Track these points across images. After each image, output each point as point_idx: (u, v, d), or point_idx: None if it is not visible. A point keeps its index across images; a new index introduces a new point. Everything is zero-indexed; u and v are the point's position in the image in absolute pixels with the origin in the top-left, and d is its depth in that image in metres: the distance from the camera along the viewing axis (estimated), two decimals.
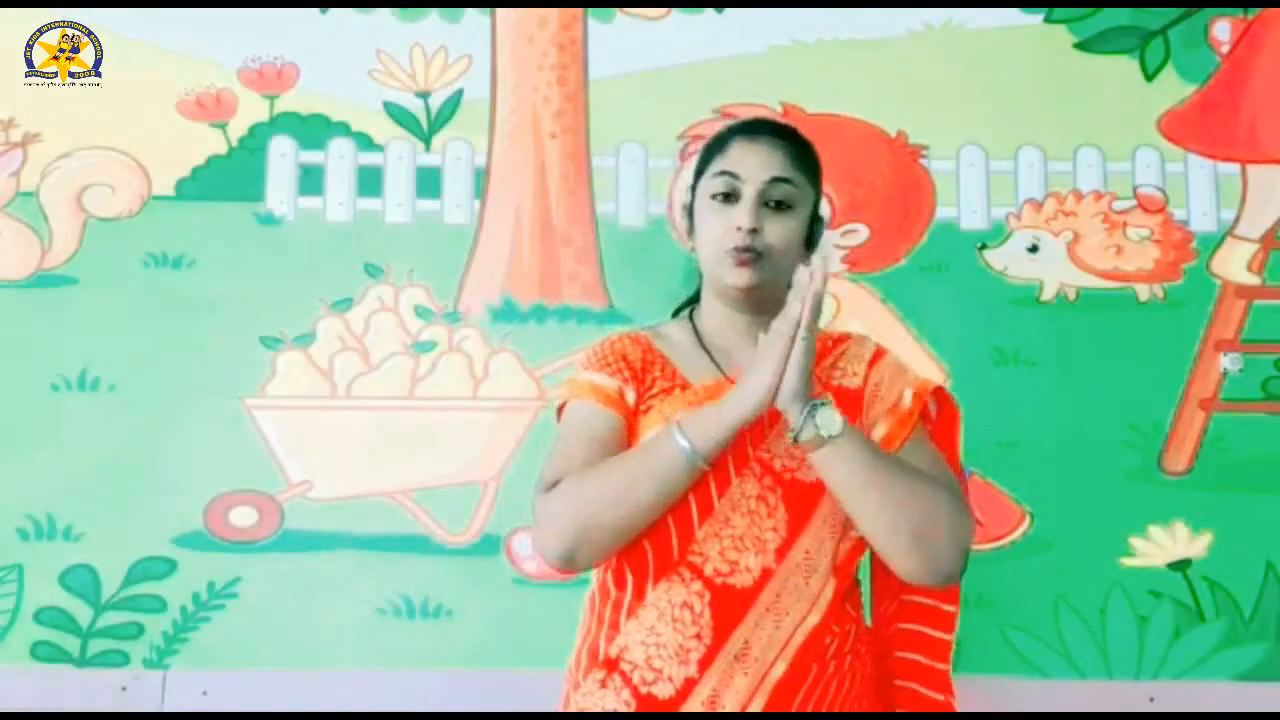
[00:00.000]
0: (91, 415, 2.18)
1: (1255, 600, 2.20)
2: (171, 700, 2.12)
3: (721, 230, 1.46)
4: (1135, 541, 2.21)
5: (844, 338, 1.56)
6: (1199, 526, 2.21)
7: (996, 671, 2.17)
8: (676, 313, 1.65)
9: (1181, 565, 2.20)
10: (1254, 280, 2.29)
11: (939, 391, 1.51)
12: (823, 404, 1.35)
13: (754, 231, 1.44)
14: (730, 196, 1.47)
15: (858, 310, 2.25)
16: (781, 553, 1.40)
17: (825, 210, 1.52)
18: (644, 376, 1.48)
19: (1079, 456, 2.22)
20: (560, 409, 1.53)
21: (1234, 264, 2.29)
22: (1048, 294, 2.27)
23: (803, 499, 1.41)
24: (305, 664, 2.14)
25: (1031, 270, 2.28)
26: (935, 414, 1.51)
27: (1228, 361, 2.25)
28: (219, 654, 2.14)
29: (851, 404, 1.47)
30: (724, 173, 1.48)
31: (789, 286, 1.36)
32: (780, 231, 1.46)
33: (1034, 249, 2.29)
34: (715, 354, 1.51)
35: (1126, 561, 2.20)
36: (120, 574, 2.15)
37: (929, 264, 2.27)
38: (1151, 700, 2.15)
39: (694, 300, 1.61)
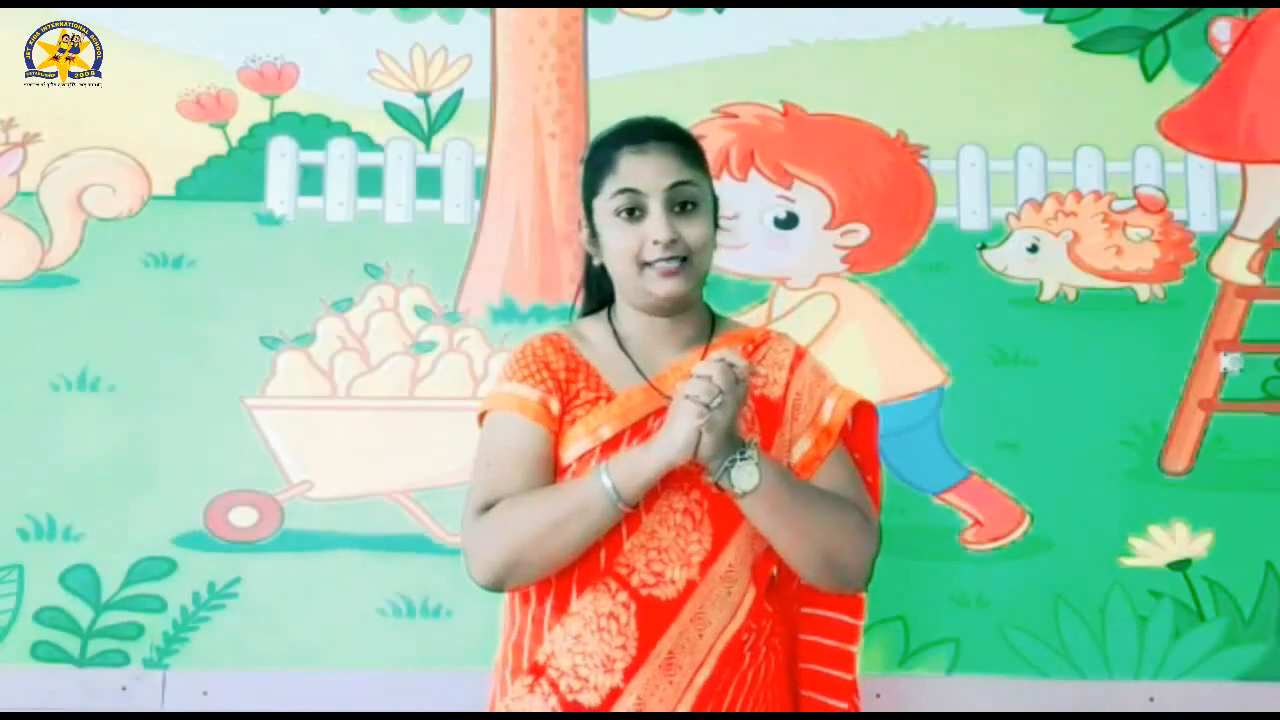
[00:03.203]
0: (91, 415, 2.18)
1: (1255, 600, 2.20)
2: (171, 700, 2.12)
3: (636, 245, 1.45)
4: (1135, 541, 2.20)
5: (764, 338, 1.56)
6: (1199, 526, 2.21)
7: (996, 671, 2.17)
8: (585, 312, 1.61)
9: (1181, 565, 2.20)
10: (1254, 280, 2.28)
11: (859, 403, 1.52)
12: (743, 458, 1.36)
13: (673, 242, 1.44)
14: (635, 212, 1.45)
15: (858, 310, 2.25)
16: (705, 565, 1.42)
17: (718, 189, 1.55)
18: (568, 387, 1.47)
19: (1079, 456, 2.22)
20: (482, 416, 1.51)
21: (1234, 264, 2.29)
22: (1048, 294, 2.27)
23: (728, 513, 1.42)
24: (305, 664, 2.14)
25: (1031, 270, 2.28)
26: (853, 424, 1.51)
27: (1228, 361, 2.25)
28: (219, 654, 2.14)
29: (772, 415, 1.48)
30: (622, 190, 1.46)
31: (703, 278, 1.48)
32: (696, 232, 1.46)
33: (1034, 249, 2.28)
34: (636, 358, 1.50)
35: (1126, 561, 2.20)
36: (120, 574, 2.15)
37: (929, 264, 2.27)
38: (1151, 700, 2.15)
39: (601, 302, 1.58)
